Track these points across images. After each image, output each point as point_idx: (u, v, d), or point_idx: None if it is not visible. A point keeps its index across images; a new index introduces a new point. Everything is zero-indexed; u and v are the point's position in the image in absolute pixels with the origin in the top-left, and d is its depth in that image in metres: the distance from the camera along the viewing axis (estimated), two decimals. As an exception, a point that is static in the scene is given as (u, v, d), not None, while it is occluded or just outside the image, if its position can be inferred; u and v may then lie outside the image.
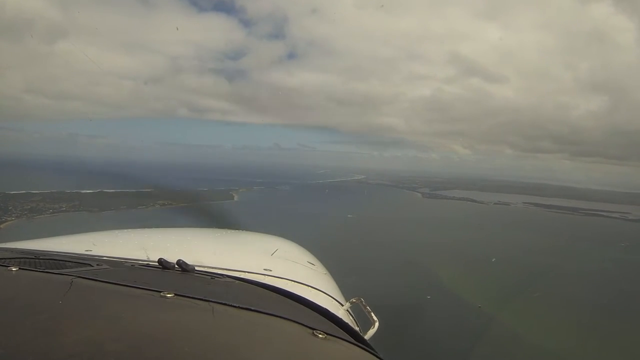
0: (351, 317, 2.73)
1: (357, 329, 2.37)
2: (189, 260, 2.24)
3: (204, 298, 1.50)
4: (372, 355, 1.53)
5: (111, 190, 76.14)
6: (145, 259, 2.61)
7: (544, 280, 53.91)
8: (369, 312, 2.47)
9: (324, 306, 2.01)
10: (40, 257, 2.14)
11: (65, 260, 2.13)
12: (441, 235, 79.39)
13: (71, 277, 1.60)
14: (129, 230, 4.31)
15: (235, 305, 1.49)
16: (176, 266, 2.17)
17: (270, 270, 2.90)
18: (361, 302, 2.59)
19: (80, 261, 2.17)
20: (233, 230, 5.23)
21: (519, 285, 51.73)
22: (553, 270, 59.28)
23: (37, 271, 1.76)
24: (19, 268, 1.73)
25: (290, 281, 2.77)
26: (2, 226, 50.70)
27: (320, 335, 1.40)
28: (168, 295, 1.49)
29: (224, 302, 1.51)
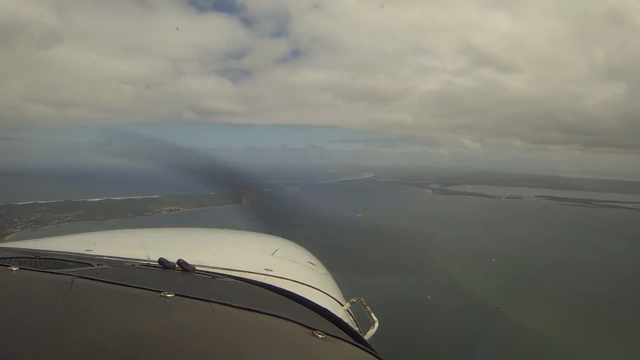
0: (351, 317, 2.67)
1: (357, 329, 2.35)
2: (190, 260, 2.24)
3: (204, 298, 1.51)
4: (372, 356, 1.53)
5: (118, 198, 76.20)
6: (146, 258, 2.57)
7: (567, 275, 52.83)
8: (369, 312, 2.43)
9: (324, 306, 2.00)
10: (41, 257, 2.15)
11: (66, 260, 2.12)
12: (454, 232, 78.24)
13: (71, 276, 1.61)
14: (130, 230, 4.36)
15: (235, 305, 1.50)
16: (177, 266, 2.16)
17: (271, 270, 2.87)
18: (361, 302, 2.54)
19: (81, 261, 2.16)
20: (233, 230, 5.20)
21: (537, 281, 50.61)
22: (573, 264, 58.13)
23: (37, 271, 1.77)
24: (19, 268, 1.73)
25: (290, 281, 2.73)
26: (6, 238, 50.30)
27: (320, 336, 1.41)
28: (168, 295, 1.50)
29: (224, 302, 1.51)
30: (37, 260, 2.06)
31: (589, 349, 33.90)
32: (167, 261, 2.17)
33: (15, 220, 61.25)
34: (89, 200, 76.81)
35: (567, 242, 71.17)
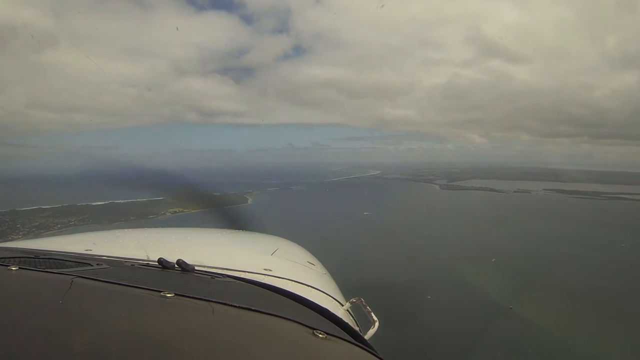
0: (351, 317, 2.66)
1: (357, 329, 2.34)
2: (189, 260, 2.24)
3: (204, 298, 1.51)
4: (372, 355, 1.54)
5: (121, 201, 75.85)
6: (146, 258, 2.57)
7: (576, 270, 51.96)
8: (369, 312, 2.43)
9: (324, 306, 2.02)
10: (40, 257, 2.15)
11: (65, 260, 2.13)
12: (463, 228, 77.31)
13: (71, 276, 1.61)
14: (129, 230, 4.31)
15: (235, 305, 1.50)
16: (176, 266, 2.16)
17: (270, 270, 2.84)
18: (361, 302, 2.55)
19: (80, 261, 2.16)
20: (233, 230, 5.11)
21: (547, 277, 49.83)
22: (583, 259, 57.26)
23: (37, 271, 1.77)
24: (19, 268, 1.74)
25: (290, 281, 2.72)
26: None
27: (320, 335, 1.42)
28: (168, 295, 1.50)
29: (224, 302, 1.51)
30: (37, 260, 2.04)
31: (601, 347, 33.00)
32: (166, 261, 2.15)
33: (18, 226, 61.02)
34: (93, 204, 76.75)
35: (575, 236, 70.34)
